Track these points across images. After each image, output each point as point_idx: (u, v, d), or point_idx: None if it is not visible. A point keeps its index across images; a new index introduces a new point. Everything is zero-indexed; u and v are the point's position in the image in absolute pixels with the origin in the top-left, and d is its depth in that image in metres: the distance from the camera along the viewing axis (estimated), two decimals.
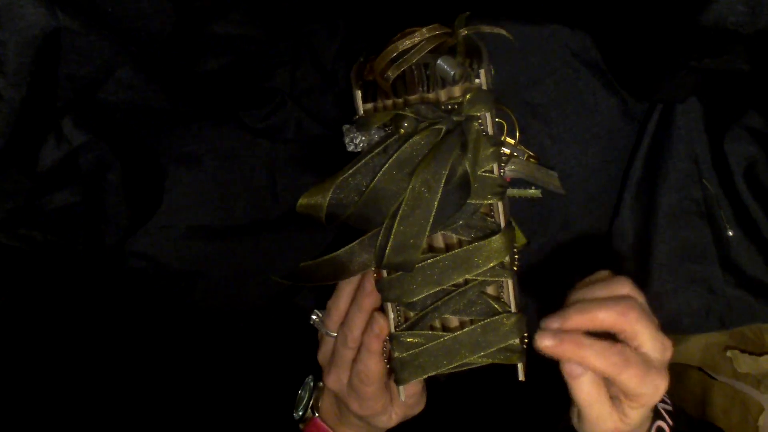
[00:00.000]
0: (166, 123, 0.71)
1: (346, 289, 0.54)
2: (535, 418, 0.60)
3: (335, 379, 0.55)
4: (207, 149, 0.72)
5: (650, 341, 0.48)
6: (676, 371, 0.78)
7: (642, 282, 0.69)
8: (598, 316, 0.47)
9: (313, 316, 0.57)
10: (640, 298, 0.50)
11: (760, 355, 0.71)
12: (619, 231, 0.69)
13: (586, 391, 0.48)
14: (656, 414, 0.53)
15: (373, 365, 0.52)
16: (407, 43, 0.51)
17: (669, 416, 0.53)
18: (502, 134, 0.65)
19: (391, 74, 0.50)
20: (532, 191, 0.68)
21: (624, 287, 0.49)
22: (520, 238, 0.69)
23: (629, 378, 0.46)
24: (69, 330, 0.67)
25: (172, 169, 0.71)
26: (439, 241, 0.49)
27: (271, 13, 0.72)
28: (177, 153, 0.71)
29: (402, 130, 0.45)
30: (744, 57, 0.59)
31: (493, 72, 0.66)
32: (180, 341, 0.70)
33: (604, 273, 0.52)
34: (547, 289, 0.56)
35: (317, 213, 0.46)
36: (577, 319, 0.47)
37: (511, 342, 0.49)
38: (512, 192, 0.68)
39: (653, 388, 0.47)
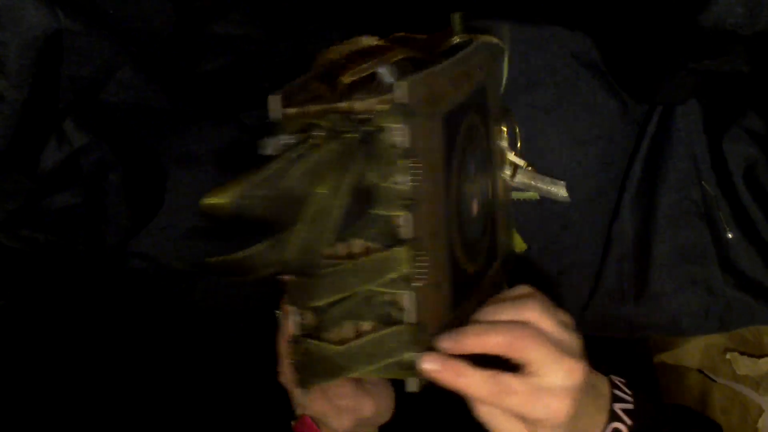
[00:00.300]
0: (167, 123, 0.71)
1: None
2: None
3: (283, 378, 0.56)
4: (207, 149, 0.72)
5: (546, 368, 0.48)
6: (676, 373, 0.78)
7: (641, 283, 0.69)
8: (489, 341, 0.48)
9: (277, 311, 0.57)
10: (547, 323, 0.49)
11: (760, 357, 0.71)
12: (619, 232, 0.69)
13: (482, 410, 0.49)
14: (612, 416, 0.53)
15: (285, 367, 0.54)
16: (345, 48, 0.52)
17: (628, 416, 0.53)
18: (515, 144, 0.65)
19: (345, 80, 0.51)
20: (530, 194, 0.68)
21: (528, 311, 0.50)
22: (520, 244, 0.69)
23: (515, 405, 0.47)
24: (70, 330, 0.68)
25: (172, 170, 0.71)
26: (357, 248, 0.49)
27: (271, 13, 0.72)
28: (177, 153, 0.71)
29: (315, 137, 0.46)
30: (743, 58, 0.59)
31: (504, 79, 0.66)
32: (180, 341, 0.71)
33: (521, 290, 0.52)
34: (545, 290, 0.56)
35: (221, 213, 0.46)
36: (469, 342, 0.48)
37: (407, 356, 0.48)
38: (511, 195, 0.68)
39: (549, 413, 0.48)
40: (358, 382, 0.57)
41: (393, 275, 0.47)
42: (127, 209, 0.68)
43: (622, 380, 0.55)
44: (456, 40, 0.60)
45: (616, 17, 0.66)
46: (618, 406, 0.53)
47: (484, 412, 0.49)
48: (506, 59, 0.66)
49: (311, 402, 0.55)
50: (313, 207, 0.45)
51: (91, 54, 0.64)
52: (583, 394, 0.50)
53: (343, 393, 0.55)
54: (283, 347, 0.54)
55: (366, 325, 0.49)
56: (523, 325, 0.49)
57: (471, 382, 0.47)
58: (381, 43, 0.56)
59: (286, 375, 0.55)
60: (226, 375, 0.71)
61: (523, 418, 0.49)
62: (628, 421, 0.53)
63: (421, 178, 0.48)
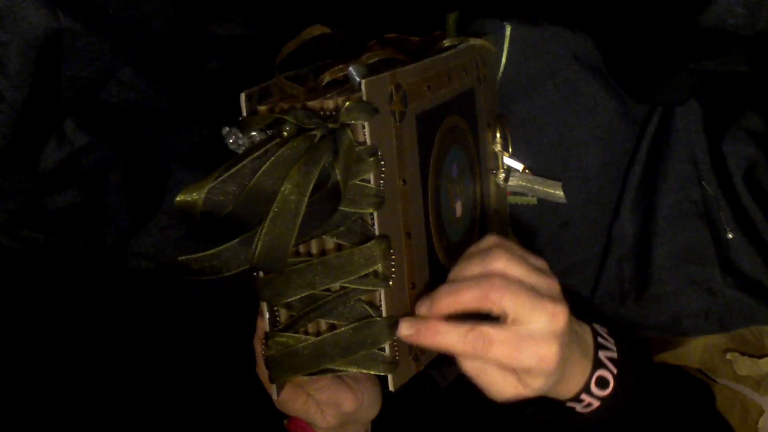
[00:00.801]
0: (168, 124, 0.71)
1: None
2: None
3: (261, 376, 0.56)
4: (208, 149, 0.72)
5: (526, 314, 0.46)
6: None
7: (641, 283, 0.69)
8: (463, 298, 0.47)
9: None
10: (517, 270, 0.48)
11: (760, 357, 0.71)
12: (619, 232, 0.69)
13: (469, 365, 0.48)
14: (597, 363, 0.52)
15: (260, 364, 0.54)
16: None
17: (613, 364, 0.52)
18: (508, 148, 0.66)
19: (324, 79, 0.52)
20: (528, 198, 0.68)
21: (495, 261, 0.48)
22: None
23: (501, 356, 0.46)
24: (70, 331, 0.68)
25: (173, 170, 0.71)
26: (328, 245, 0.49)
27: (271, 14, 0.73)
28: (178, 153, 0.71)
29: (284, 134, 0.46)
30: (743, 58, 0.59)
31: (499, 76, 0.66)
32: (180, 341, 0.71)
33: (487, 242, 0.51)
34: None
35: (193, 210, 0.47)
36: (444, 302, 0.48)
37: (379, 348, 0.49)
38: (509, 199, 0.68)
39: (537, 360, 0.46)
40: (336, 376, 0.56)
41: (364, 272, 0.48)
42: (127, 209, 0.68)
43: (603, 328, 0.54)
44: (447, 43, 0.60)
45: (617, 18, 0.66)
46: (602, 354, 0.52)
47: (471, 368, 0.48)
48: (503, 60, 0.66)
49: (291, 399, 0.55)
50: (278, 203, 0.45)
51: (91, 54, 0.64)
52: (569, 338, 0.48)
53: (321, 386, 0.55)
54: (257, 344, 0.55)
55: (340, 324, 0.49)
56: (493, 276, 0.48)
57: (450, 338, 0.47)
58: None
59: (261, 372, 0.55)
60: (226, 374, 0.71)
61: (512, 370, 0.48)
62: (613, 369, 0.52)
63: (388, 175, 0.48)
